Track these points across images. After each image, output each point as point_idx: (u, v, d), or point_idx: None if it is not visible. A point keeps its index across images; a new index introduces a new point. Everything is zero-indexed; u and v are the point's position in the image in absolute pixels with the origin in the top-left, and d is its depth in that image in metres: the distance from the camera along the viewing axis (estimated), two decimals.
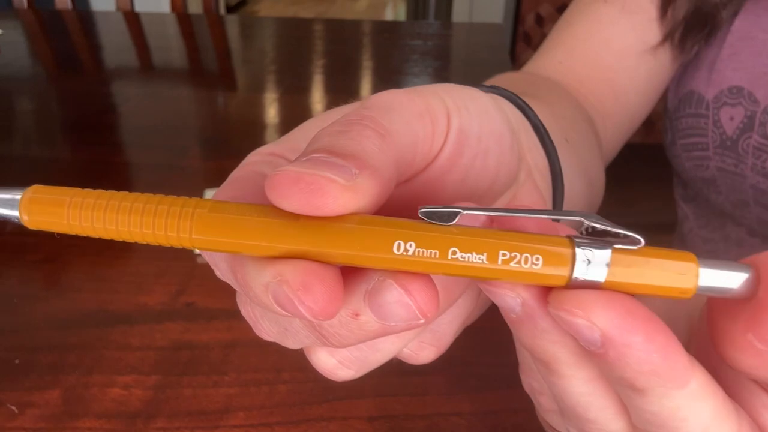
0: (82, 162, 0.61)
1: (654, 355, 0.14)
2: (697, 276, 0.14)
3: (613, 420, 0.16)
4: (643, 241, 0.14)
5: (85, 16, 1.13)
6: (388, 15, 3.69)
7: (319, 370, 0.19)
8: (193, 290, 0.43)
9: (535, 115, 0.25)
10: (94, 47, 0.98)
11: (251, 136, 0.67)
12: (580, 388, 0.16)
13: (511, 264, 0.14)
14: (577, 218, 0.14)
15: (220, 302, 0.42)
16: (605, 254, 0.14)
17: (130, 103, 0.76)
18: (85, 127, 0.69)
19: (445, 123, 0.17)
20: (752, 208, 0.43)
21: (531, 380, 0.20)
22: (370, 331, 0.15)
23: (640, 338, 0.13)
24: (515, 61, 1.91)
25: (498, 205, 0.20)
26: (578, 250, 0.14)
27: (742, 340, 0.14)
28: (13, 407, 0.34)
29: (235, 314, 0.41)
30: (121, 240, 0.15)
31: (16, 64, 0.87)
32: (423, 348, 0.19)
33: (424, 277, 0.14)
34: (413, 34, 1.02)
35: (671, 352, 0.14)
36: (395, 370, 0.37)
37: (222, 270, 0.17)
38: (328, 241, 0.14)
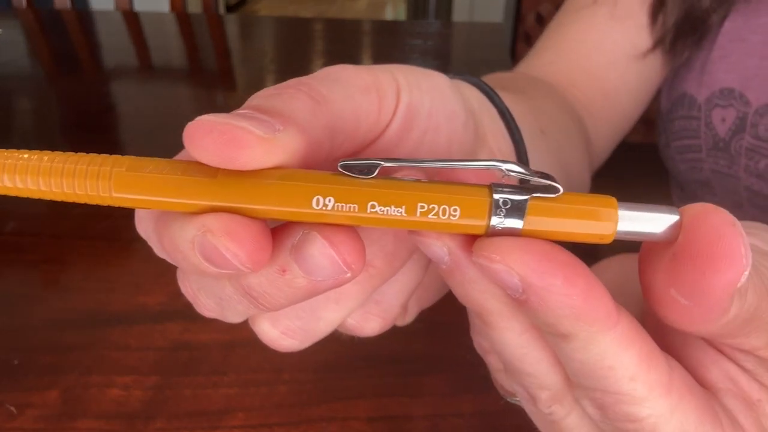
0: None
1: (575, 298, 0.13)
2: (616, 221, 0.14)
3: (549, 373, 0.16)
4: (561, 189, 0.14)
5: (84, 15, 1.13)
6: (388, 14, 3.69)
7: (263, 341, 0.19)
8: None
9: (501, 100, 0.25)
10: (93, 47, 0.98)
11: None
12: (515, 339, 0.16)
13: (429, 216, 0.14)
14: (492, 165, 0.15)
15: None
16: (523, 202, 0.14)
17: (130, 103, 0.76)
18: (84, 127, 0.69)
19: (395, 98, 0.18)
20: (747, 210, 0.43)
21: (480, 339, 0.20)
22: (299, 288, 0.15)
23: (558, 281, 0.13)
24: (515, 60, 1.91)
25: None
26: (496, 198, 0.14)
27: (666, 295, 0.14)
28: (12, 408, 0.34)
29: None
30: (46, 199, 0.15)
31: (15, 63, 0.87)
32: (368, 319, 0.19)
33: (349, 229, 0.14)
34: (413, 33, 1.02)
35: (593, 295, 0.14)
36: (396, 370, 0.37)
37: (153, 241, 0.16)
38: (247, 196, 0.14)
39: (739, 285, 0.13)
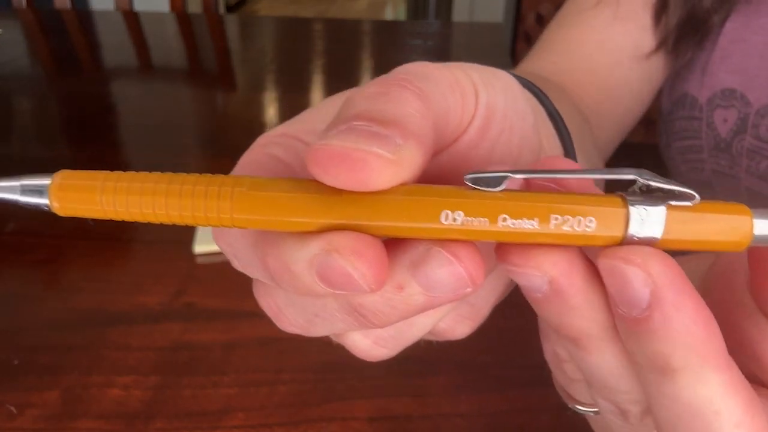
0: (81, 161, 0.61)
1: (698, 326, 0.13)
2: (751, 228, 0.14)
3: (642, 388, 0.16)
4: (697, 197, 0.14)
5: (84, 15, 1.13)
6: (388, 14, 3.69)
7: (353, 352, 0.18)
8: (192, 290, 0.43)
9: (551, 102, 0.24)
10: (93, 46, 0.98)
11: (251, 135, 0.66)
12: (613, 362, 0.15)
13: (564, 227, 0.13)
14: (631, 176, 0.14)
15: (220, 302, 0.42)
16: (659, 211, 0.13)
17: (130, 103, 0.76)
18: (84, 127, 0.69)
19: (474, 97, 0.17)
20: None
21: (555, 347, 0.19)
22: (415, 305, 0.14)
23: (690, 302, 0.13)
24: (515, 60, 1.91)
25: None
26: (632, 209, 0.13)
27: None
28: (12, 408, 0.34)
29: (234, 314, 0.41)
30: (158, 222, 0.14)
31: (15, 63, 0.87)
32: (460, 322, 0.19)
33: (470, 244, 0.14)
34: (413, 33, 1.02)
35: (714, 330, 0.13)
36: (396, 370, 0.37)
37: (245, 258, 0.16)
38: (373, 213, 0.13)
39: None
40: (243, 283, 0.48)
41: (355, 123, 0.13)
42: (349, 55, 0.94)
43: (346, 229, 0.13)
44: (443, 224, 0.13)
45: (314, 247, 0.13)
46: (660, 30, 0.43)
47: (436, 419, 0.34)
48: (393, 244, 0.14)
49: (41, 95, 0.80)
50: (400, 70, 0.16)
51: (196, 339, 0.39)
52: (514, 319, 0.41)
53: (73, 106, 0.75)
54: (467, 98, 0.17)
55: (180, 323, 0.40)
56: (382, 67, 0.89)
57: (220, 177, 0.14)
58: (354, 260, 0.13)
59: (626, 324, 0.14)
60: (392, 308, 0.14)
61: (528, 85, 0.24)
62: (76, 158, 0.62)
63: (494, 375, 0.37)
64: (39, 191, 0.14)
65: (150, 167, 0.49)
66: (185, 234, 0.47)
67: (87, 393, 0.35)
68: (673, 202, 0.14)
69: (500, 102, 0.18)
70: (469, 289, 0.14)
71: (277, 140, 0.17)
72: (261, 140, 0.18)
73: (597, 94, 0.44)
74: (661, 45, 0.43)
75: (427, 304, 0.14)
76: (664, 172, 0.53)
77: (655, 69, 0.45)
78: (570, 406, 0.21)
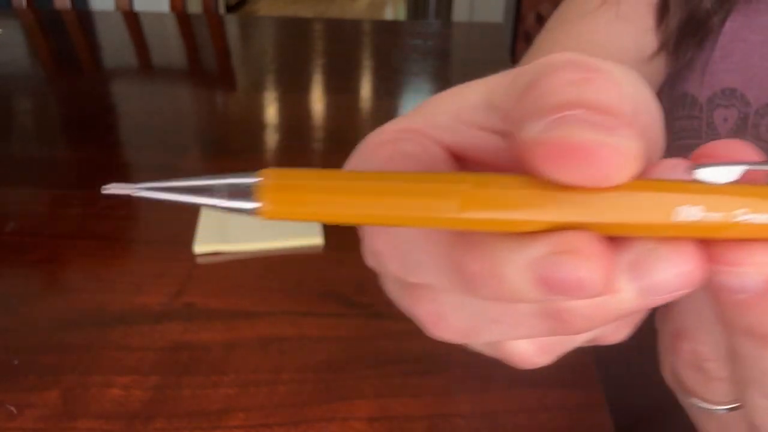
0: (81, 162, 0.61)
1: None
2: None
3: None
4: None
5: (84, 15, 1.13)
6: (388, 14, 3.69)
7: (508, 360, 0.17)
8: (192, 290, 0.43)
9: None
10: (93, 47, 0.98)
11: (251, 135, 0.67)
12: None
13: None
14: None
15: (220, 303, 0.42)
16: None
17: (130, 103, 0.76)
18: (84, 127, 0.69)
19: (645, 95, 0.16)
20: None
21: (697, 345, 0.18)
22: (625, 309, 0.13)
23: None
24: (515, 60, 1.91)
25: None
26: None
27: None
28: (12, 408, 0.34)
29: (234, 314, 0.41)
30: (372, 225, 0.13)
31: (15, 63, 0.87)
32: (621, 327, 0.17)
33: (691, 242, 0.13)
34: (413, 33, 1.02)
35: None
36: (396, 370, 0.37)
37: (418, 261, 0.15)
38: (602, 210, 0.12)
39: None
40: (243, 284, 0.48)
41: (572, 112, 0.12)
42: (349, 55, 0.94)
43: (571, 228, 0.12)
44: (677, 221, 0.12)
45: (538, 248, 0.12)
46: (662, 32, 0.43)
47: (436, 419, 0.34)
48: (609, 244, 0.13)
49: (41, 95, 0.80)
50: (589, 60, 0.14)
51: (196, 339, 0.39)
52: None
53: (73, 106, 0.75)
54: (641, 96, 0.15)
55: (180, 323, 0.40)
56: (382, 67, 0.89)
57: (438, 174, 0.13)
58: (587, 263, 0.12)
59: None
60: (600, 312, 0.13)
61: None
62: (76, 158, 0.62)
63: (494, 375, 0.37)
64: (246, 193, 0.13)
65: (149, 167, 0.49)
66: (185, 234, 0.47)
67: (87, 393, 0.35)
68: None
69: (640, 97, 0.16)
70: (686, 291, 0.13)
71: (404, 136, 0.16)
72: (381, 136, 0.16)
73: None
74: (662, 46, 0.43)
75: (638, 306, 0.13)
76: None
77: (657, 70, 0.45)
78: (690, 401, 0.20)
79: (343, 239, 0.48)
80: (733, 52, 0.41)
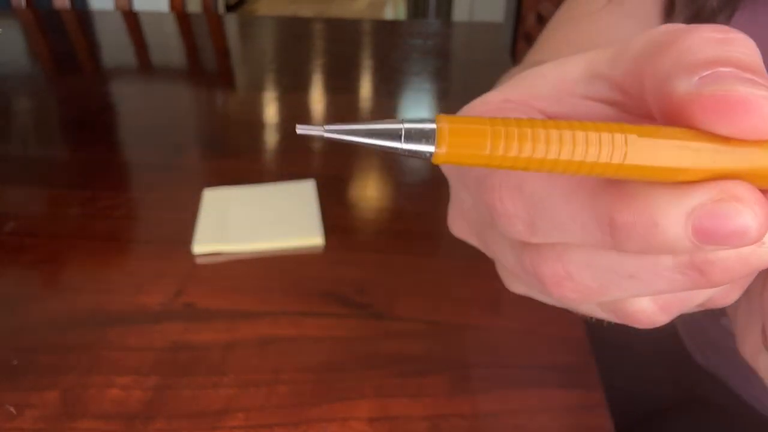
0: (81, 161, 0.61)
1: None
2: None
3: None
4: None
5: (83, 15, 1.13)
6: (388, 14, 3.69)
7: (628, 320, 0.17)
8: (192, 290, 0.43)
9: None
10: (92, 46, 0.98)
11: (250, 135, 0.67)
12: None
13: None
14: None
15: (220, 303, 0.42)
16: None
17: (129, 103, 0.76)
18: (84, 127, 0.69)
19: None
20: None
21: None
22: (766, 261, 0.14)
23: None
24: (515, 60, 1.91)
25: None
26: None
27: None
28: (12, 408, 0.34)
29: (234, 314, 0.41)
30: (538, 171, 0.14)
31: (15, 63, 0.87)
32: (735, 287, 0.17)
33: None
34: (413, 33, 1.02)
35: None
36: (396, 371, 0.37)
37: (561, 216, 0.15)
38: (761, 161, 0.13)
39: None
40: (243, 284, 0.48)
41: (722, 69, 0.13)
42: (349, 55, 0.94)
43: (729, 178, 0.13)
44: None
45: (699, 196, 0.13)
46: None
47: (436, 420, 0.34)
48: None
49: (40, 95, 0.80)
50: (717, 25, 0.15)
51: (196, 339, 0.39)
52: (514, 320, 0.41)
53: (72, 106, 0.75)
54: None
55: (180, 323, 0.40)
56: (382, 67, 0.89)
57: (603, 124, 0.14)
58: (751, 210, 0.12)
59: None
60: (745, 263, 0.14)
61: None
62: (75, 158, 0.62)
63: (494, 375, 0.37)
64: (424, 137, 0.13)
65: (149, 167, 0.49)
66: (185, 234, 0.47)
67: (86, 393, 0.35)
68: None
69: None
70: None
71: (506, 105, 0.16)
72: (483, 106, 0.17)
73: None
74: None
75: None
76: None
77: None
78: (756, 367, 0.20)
79: (343, 239, 0.47)
80: None
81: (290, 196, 0.52)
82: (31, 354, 0.38)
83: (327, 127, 0.14)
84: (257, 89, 0.81)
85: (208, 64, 0.91)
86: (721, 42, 0.14)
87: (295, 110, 0.74)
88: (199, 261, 0.46)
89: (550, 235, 0.15)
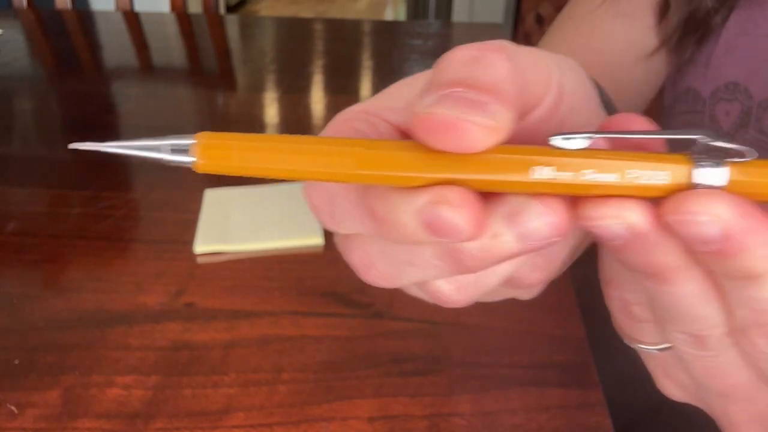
0: (82, 162, 0.61)
1: None
2: None
3: (719, 312, 0.18)
4: (756, 153, 0.15)
5: (84, 15, 1.13)
6: (388, 15, 3.69)
7: (433, 299, 0.20)
8: (192, 290, 0.43)
9: (606, 94, 0.26)
10: (93, 47, 0.98)
11: None
12: (693, 287, 0.17)
13: (639, 181, 0.15)
14: (697, 136, 0.16)
15: (220, 302, 0.42)
16: (723, 169, 0.15)
17: (130, 103, 0.76)
18: (85, 127, 0.69)
19: (548, 76, 0.18)
20: None
21: (623, 292, 0.20)
22: (507, 252, 0.16)
23: (758, 223, 0.15)
24: None
25: None
26: (697, 164, 0.15)
27: None
28: (13, 407, 0.34)
29: (235, 314, 0.41)
30: (284, 178, 0.16)
31: (16, 63, 0.87)
32: (534, 270, 0.20)
33: (559, 197, 0.16)
34: (413, 33, 1.02)
35: None
36: (395, 370, 0.37)
37: (344, 212, 0.18)
38: (473, 170, 0.15)
39: None
40: (243, 284, 0.48)
41: (454, 90, 0.15)
42: (349, 55, 0.95)
43: (449, 183, 0.15)
44: (534, 179, 0.15)
45: (423, 199, 0.15)
46: (662, 29, 0.43)
47: (435, 419, 0.34)
48: (489, 198, 0.16)
49: (42, 95, 0.80)
50: (490, 42, 0.17)
51: (197, 339, 0.39)
52: (513, 319, 0.41)
53: (73, 107, 0.75)
54: (542, 77, 0.18)
55: (180, 323, 0.40)
56: (382, 67, 0.89)
57: (341, 139, 0.16)
58: (459, 210, 0.15)
59: (705, 255, 0.16)
60: (487, 254, 0.16)
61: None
62: (76, 158, 0.62)
63: (493, 375, 0.37)
64: (184, 150, 0.16)
65: (150, 167, 0.49)
66: (186, 234, 0.48)
67: (87, 393, 0.35)
68: (734, 159, 0.15)
69: (570, 83, 0.19)
70: (557, 238, 0.16)
71: (360, 116, 0.19)
72: (343, 116, 0.19)
73: (605, 82, 0.44)
74: (663, 44, 0.44)
75: (519, 250, 0.16)
76: None
77: (658, 68, 0.46)
78: (632, 345, 0.22)
79: None
80: (737, 47, 0.42)
81: (291, 196, 0.52)
82: (32, 353, 0.38)
83: (105, 144, 0.17)
84: (258, 90, 0.81)
85: (208, 65, 0.91)
86: (471, 61, 0.16)
87: (295, 111, 0.74)
88: (200, 261, 0.46)
89: (348, 226, 0.18)
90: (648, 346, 0.22)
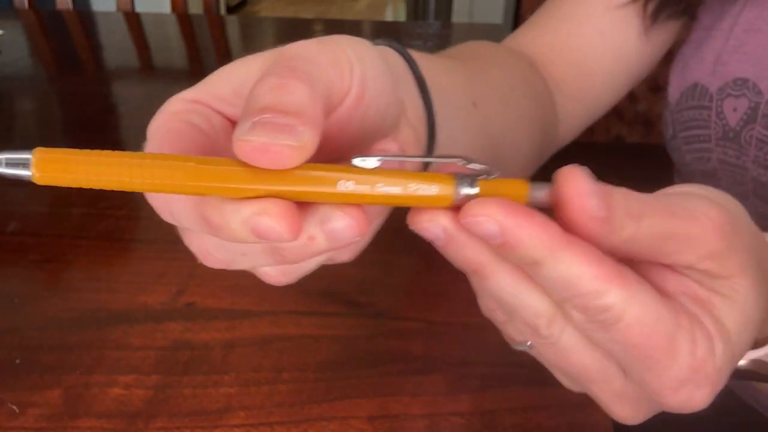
0: None
1: (537, 229, 0.18)
2: (526, 191, 0.20)
3: (541, 300, 0.20)
4: (498, 171, 0.20)
5: (85, 16, 1.13)
6: (388, 15, 3.69)
7: (263, 279, 0.24)
8: (193, 290, 0.43)
9: (419, 70, 0.29)
10: (94, 47, 0.98)
11: None
12: (506, 280, 0.20)
13: (418, 192, 0.19)
14: (456, 160, 0.20)
15: (221, 302, 0.42)
16: (474, 179, 0.20)
17: (131, 104, 0.76)
18: (86, 128, 0.69)
19: (350, 72, 0.21)
20: (751, 201, 0.43)
21: (485, 301, 0.23)
22: (321, 249, 0.20)
23: (526, 220, 0.18)
24: None
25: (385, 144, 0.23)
26: (459, 180, 0.20)
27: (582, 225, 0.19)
28: (14, 407, 0.34)
29: (235, 314, 0.41)
30: (114, 189, 0.18)
31: (17, 64, 0.87)
32: (341, 253, 0.24)
33: (359, 207, 0.19)
34: (413, 34, 1.02)
35: (549, 227, 0.18)
36: (395, 370, 0.37)
37: (182, 214, 0.20)
38: (291, 182, 0.18)
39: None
40: (243, 284, 0.48)
41: (265, 116, 0.18)
42: None
43: (270, 196, 0.18)
44: (339, 191, 0.19)
45: (248, 210, 0.18)
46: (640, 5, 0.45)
47: (435, 418, 0.34)
48: (305, 207, 0.19)
49: (43, 96, 0.80)
50: (286, 54, 0.21)
51: (197, 338, 0.39)
52: None
53: (74, 107, 0.75)
54: (345, 74, 0.21)
55: (181, 323, 0.40)
56: None
57: (171, 155, 0.19)
58: (278, 220, 0.18)
59: (500, 250, 0.19)
60: (305, 251, 0.20)
61: (402, 52, 0.29)
62: None
63: (493, 374, 0.37)
64: (23, 164, 0.17)
65: None
66: None
67: (88, 392, 0.35)
68: (483, 177, 0.20)
69: (371, 72, 0.22)
70: (359, 240, 0.19)
71: (190, 107, 0.22)
72: (173, 106, 0.22)
73: (568, 72, 0.47)
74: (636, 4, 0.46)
75: (329, 248, 0.20)
76: (665, 169, 0.53)
77: (631, 49, 0.48)
78: (513, 346, 0.24)
79: None
80: (747, 43, 0.42)
81: None
82: (33, 353, 0.38)
83: None
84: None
85: (209, 65, 0.91)
86: (276, 88, 0.19)
87: None
88: (200, 261, 0.46)
89: (186, 225, 0.21)
90: (520, 346, 0.24)
